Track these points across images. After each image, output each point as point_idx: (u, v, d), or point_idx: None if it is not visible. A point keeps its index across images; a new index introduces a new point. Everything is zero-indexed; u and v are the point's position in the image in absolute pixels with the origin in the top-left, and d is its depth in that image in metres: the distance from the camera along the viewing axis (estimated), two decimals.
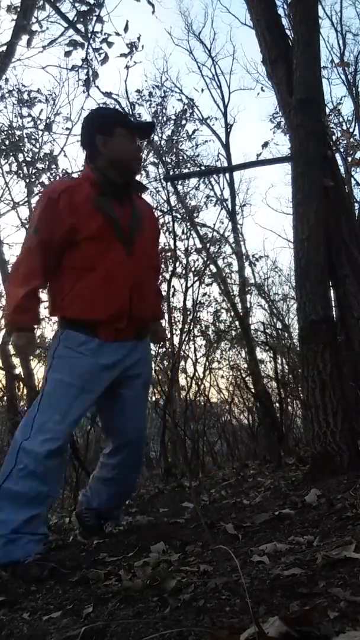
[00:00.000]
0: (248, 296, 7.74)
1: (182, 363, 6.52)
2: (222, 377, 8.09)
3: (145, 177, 6.03)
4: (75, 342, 1.81)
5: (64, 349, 1.81)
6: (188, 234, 6.17)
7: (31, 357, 2.00)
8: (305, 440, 5.56)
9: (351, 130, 8.50)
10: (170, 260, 5.73)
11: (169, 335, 6.09)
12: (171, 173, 5.99)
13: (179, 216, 5.94)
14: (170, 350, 5.90)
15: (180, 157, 6.43)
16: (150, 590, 1.19)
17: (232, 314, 6.81)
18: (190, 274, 6.22)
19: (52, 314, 1.95)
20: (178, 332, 6.05)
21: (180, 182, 6.23)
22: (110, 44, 4.00)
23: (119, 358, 1.86)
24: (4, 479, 1.66)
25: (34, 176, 7.84)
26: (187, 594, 1.13)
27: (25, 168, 7.75)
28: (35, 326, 1.87)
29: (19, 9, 3.84)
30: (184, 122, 6.40)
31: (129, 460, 2.00)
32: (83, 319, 1.82)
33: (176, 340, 5.97)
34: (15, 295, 1.78)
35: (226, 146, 9.60)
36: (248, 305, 7.62)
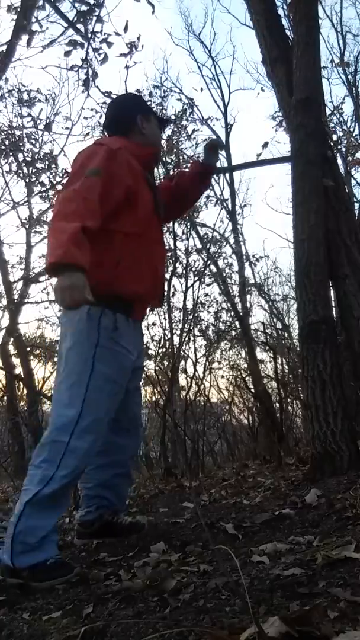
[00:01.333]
0: (248, 296, 7.74)
1: (182, 363, 6.53)
2: (222, 377, 8.10)
3: None
4: (118, 334, 1.68)
5: (109, 339, 1.66)
6: (188, 234, 6.18)
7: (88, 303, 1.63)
8: (305, 440, 5.55)
9: (351, 130, 8.51)
10: (171, 260, 5.73)
11: (169, 335, 6.10)
12: (171, 173, 5.99)
13: None
14: (170, 350, 5.90)
15: (181, 157, 6.43)
16: (150, 590, 1.19)
17: (232, 314, 6.82)
18: (191, 274, 6.24)
19: (102, 289, 1.64)
20: (178, 332, 6.06)
21: None
22: (110, 44, 4.00)
23: (139, 349, 1.86)
24: (43, 486, 1.52)
25: (34, 176, 7.85)
26: (187, 594, 1.13)
27: (25, 168, 7.76)
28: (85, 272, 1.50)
29: (19, 9, 3.84)
30: (184, 122, 6.41)
31: (128, 454, 1.98)
32: (125, 294, 1.72)
33: (176, 340, 5.97)
34: (66, 229, 1.49)
35: (226, 146, 9.60)
36: (248, 305, 7.63)
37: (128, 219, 1.73)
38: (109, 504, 1.94)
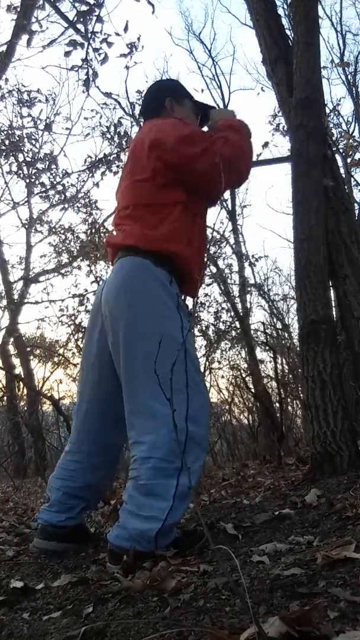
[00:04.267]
0: (248, 296, 7.75)
1: None
2: (222, 377, 8.12)
3: None
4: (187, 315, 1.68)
5: (185, 317, 1.64)
6: None
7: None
8: (305, 440, 5.55)
9: (351, 130, 8.52)
10: None
11: None
12: None
13: None
14: None
15: None
16: (150, 590, 1.19)
17: (232, 314, 6.82)
18: None
19: (157, 245, 1.63)
20: None
21: None
22: (110, 44, 4.00)
23: None
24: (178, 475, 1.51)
25: (34, 176, 7.85)
26: (187, 594, 1.12)
27: (25, 168, 7.76)
28: None
29: (19, 9, 3.84)
30: None
31: (117, 456, 1.94)
32: (189, 272, 1.71)
33: None
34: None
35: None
36: (248, 305, 7.63)
37: (190, 193, 1.74)
38: (87, 507, 1.85)
